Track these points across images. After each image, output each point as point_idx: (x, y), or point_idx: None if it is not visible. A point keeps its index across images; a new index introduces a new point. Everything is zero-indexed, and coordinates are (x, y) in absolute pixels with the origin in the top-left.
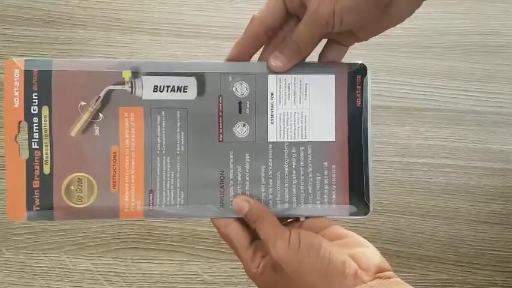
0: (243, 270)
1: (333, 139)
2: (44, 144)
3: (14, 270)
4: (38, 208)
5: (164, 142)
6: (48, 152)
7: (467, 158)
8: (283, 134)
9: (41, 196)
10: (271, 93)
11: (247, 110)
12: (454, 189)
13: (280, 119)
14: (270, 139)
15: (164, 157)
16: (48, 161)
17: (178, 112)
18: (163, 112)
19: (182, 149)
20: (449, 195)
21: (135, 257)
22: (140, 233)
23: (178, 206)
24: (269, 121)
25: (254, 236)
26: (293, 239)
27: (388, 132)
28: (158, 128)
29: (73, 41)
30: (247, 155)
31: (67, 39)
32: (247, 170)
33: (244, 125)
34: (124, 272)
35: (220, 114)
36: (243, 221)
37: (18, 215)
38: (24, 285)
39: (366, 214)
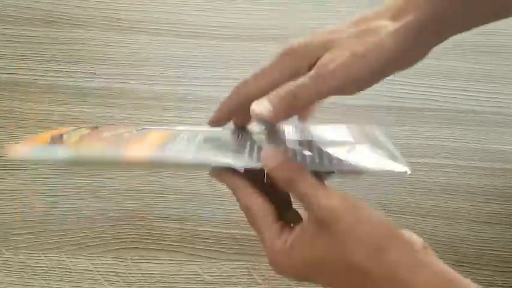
0: (244, 271)
1: None
2: None
3: (14, 270)
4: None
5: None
6: None
7: (467, 158)
8: None
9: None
10: None
11: None
12: (453, 189)
13: None
14: None
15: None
16: None
17: None
18: None
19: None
20: (449, 195)
21: (135, 257)
22: (140, 233)
23: (189, 154)
24: None
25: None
26: (351, 198)
27: (388, 132)
28: None
29: (73, 41)
30: None
31: (67, 39)
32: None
33: None
34: (124, 272)
35: None
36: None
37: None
38: (24, 285)
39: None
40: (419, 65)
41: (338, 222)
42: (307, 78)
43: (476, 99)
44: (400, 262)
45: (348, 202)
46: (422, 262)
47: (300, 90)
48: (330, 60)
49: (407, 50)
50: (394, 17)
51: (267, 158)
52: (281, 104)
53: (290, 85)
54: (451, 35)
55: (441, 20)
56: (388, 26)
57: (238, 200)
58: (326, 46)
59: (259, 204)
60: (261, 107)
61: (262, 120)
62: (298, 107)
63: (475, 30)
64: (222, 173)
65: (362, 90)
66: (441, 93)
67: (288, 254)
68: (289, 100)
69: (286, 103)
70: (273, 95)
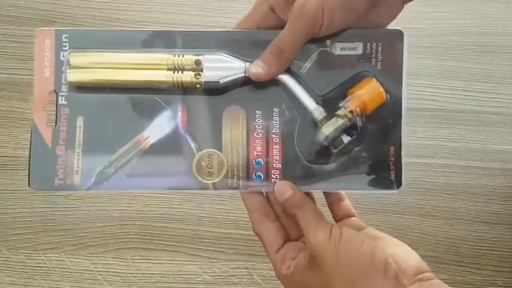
0: (244, 271)
1: None
2: None
3: (14, 270)
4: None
5: None
6: None
7: (467, 158)
8: None
9: None
10: None
11: None
12: (454, 189)
13: None
14: None
15: None
16: None
17: None
18: None
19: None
20: (449, 195)
21: (135, 257)
22: (140, 233)
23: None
24: None
25: (287, 235)
26: (335, 231)
27: None
28: None
29: None
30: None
31: None
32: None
33: None
34: (124, 272)
35: None
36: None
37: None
38: (24, 285)
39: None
40: (419, 65)
41: (321, 258)
42: (285, 30)
43: (476, 99)
44: None
45: (333, 237)
46: None
47: (281, 42)
48: (298, 4)
49: None
50: None
51: (278, 194)
52: (271, 59)
53: (275, 39)
54: None
55: None
56: None
57: (251, 223)
58: None
59: (266, 232)
60: (256, 67)
61: (260, 78)
62: (288, 57)
63: (475, 30)
64: (243, 193)
65: (332, 26)
66: (441, 93)
67: (289, 279)
68: (278, 53)
69: (275, 57)
70: (264, 53)
